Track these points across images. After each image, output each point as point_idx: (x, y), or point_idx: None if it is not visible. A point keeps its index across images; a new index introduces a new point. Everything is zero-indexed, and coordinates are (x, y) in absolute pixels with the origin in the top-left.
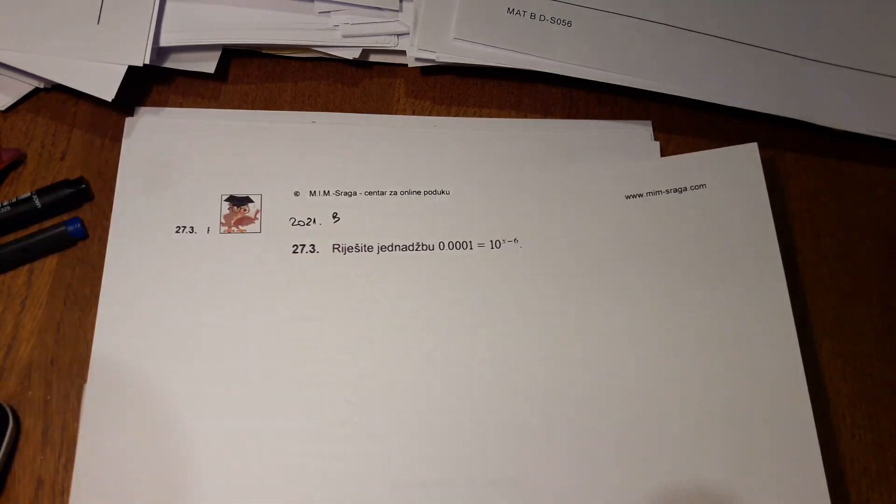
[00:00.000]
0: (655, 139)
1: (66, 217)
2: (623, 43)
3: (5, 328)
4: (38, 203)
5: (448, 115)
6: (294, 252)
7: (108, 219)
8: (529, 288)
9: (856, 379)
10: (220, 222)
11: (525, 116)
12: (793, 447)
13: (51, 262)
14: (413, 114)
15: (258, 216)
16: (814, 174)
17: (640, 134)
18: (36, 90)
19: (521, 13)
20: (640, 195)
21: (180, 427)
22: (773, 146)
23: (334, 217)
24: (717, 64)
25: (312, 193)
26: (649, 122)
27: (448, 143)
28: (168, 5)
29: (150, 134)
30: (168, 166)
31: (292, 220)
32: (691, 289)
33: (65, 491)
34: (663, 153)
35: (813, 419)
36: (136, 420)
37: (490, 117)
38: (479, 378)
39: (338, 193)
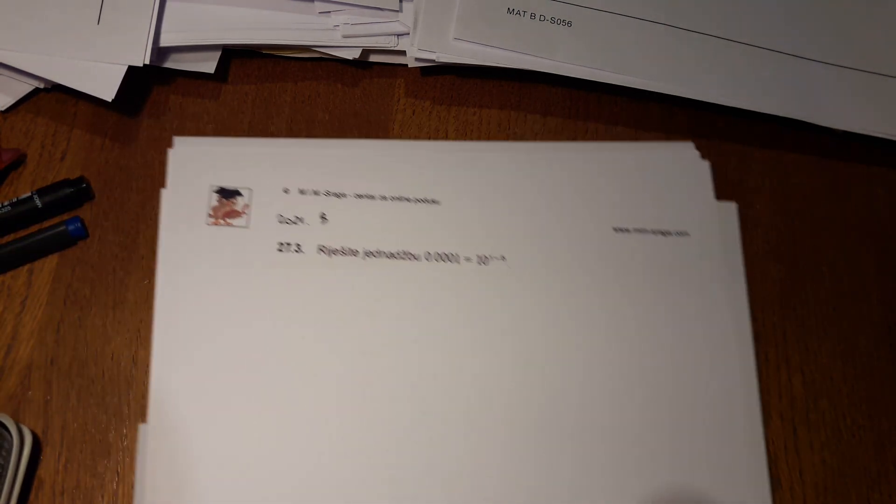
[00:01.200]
0: (657, 141)
1: (66, 217)
2: (623, 43)
3: (5, 328)
4: (38, 203)
5: (448, 114)
6: (279, 250)
7: (108, 218)
8: (514, 308)
9: (856, 379)
10: (208, 213)
11: (525, 116)
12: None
13: (51, 261)
14: (413, 114)
15: (246, 210)
16: (814, 174)
17: (687, 156)
18: (36, 90)
19: (521, 13)
20: (628, 230)
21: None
22: (773, 146)
23: (322, 217)
24: (717, 64)
25: (302, 192)
26: (691, 143)
27: (475, 166)
28: (168, 5)
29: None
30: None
31: (280, 217)
32: (664, 323)
33: (64, 491)
34: None
35: (763, 437)
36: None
37: (490, 117)
38: (457, 391)
39: (328, 194)
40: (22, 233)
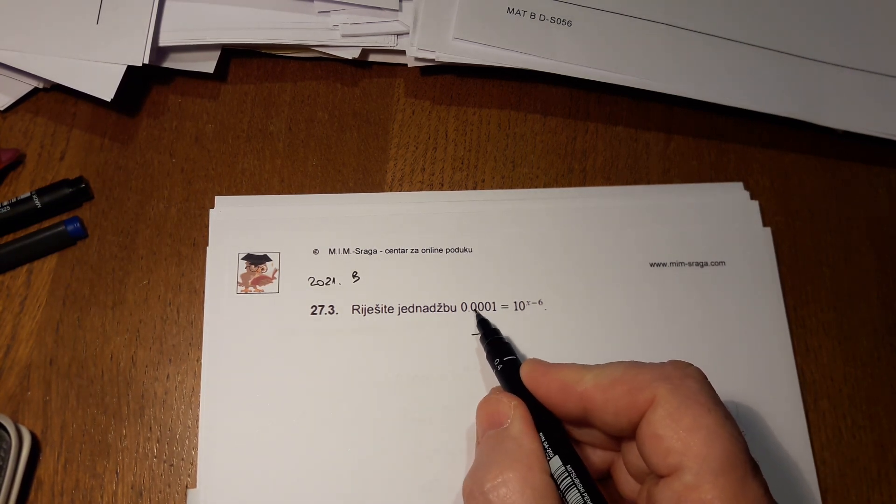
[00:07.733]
0: (657, 141)
1: (65, 217)
2: (623, 43)
3: (4, 328)
4: (37, 203)
5: (448, 114)
6: (313, 313)
7: (107, 218)
8: (553, 350)
9: (856, 379)
10: (238, 282)
11: (525, 116)
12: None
13: (50, 261)
14: (413, 113)
15: (276, 275)
16: (814, 174)
17: (738, 198)
18: (35, 90)
19: (521, 13)
20: (664, 264)
21: None
22: (773, 146)
23: (354, 276)
24: (717, 64)
25: (332, 251)
26: (740, 183)
27: (505, 212)
28: (167, 5)
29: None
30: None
31: (311, 279)
32: (708, 356)
33: (64, 492)
34: (663, 153)
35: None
36: None
37: (490, 117)
38: None
39: (358, 251)
40: (21, 233)
